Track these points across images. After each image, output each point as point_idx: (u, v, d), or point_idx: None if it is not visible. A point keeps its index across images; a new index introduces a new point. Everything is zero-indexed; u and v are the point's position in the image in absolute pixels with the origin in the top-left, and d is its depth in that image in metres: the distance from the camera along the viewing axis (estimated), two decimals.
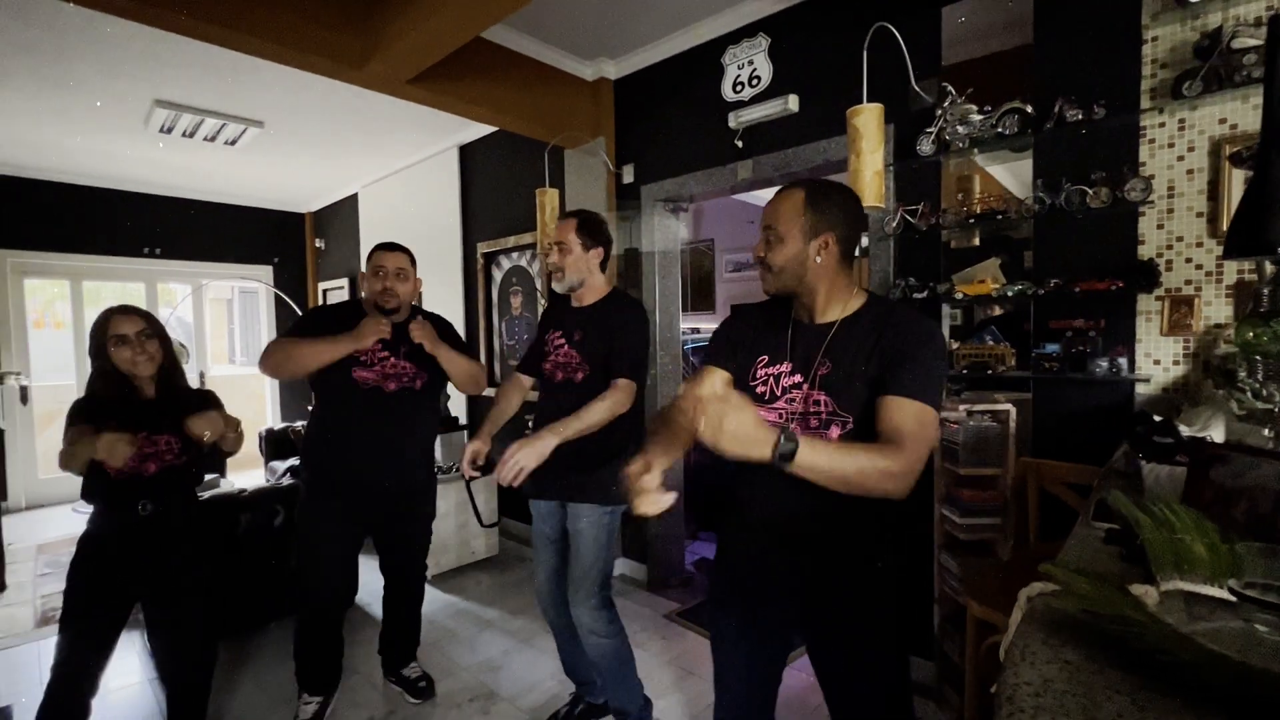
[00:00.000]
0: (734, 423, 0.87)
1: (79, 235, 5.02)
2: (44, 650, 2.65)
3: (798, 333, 1.19)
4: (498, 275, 4.03)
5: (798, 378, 1.16)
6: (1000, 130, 1.91)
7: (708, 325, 5.92)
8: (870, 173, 1.73)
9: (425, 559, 2.33)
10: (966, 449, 1.81)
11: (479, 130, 3.98)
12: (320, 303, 6.22)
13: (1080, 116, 1.77)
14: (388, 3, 2.24)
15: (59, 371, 5.33)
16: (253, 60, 2.42)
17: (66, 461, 1.63)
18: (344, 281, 5.75)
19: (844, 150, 2.31)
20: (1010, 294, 1.91)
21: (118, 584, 1.70)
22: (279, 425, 4.90)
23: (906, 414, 1.02)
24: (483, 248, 4.06)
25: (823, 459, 0.92)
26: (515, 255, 3.88)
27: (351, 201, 5.55)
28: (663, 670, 2.38)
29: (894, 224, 2.15)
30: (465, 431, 4.12)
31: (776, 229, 1.14)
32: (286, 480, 3.03)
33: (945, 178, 2.17)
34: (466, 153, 4.21)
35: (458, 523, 3.38)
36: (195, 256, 5.66)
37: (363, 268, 2.09)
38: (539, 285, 3.66)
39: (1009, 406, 1.82)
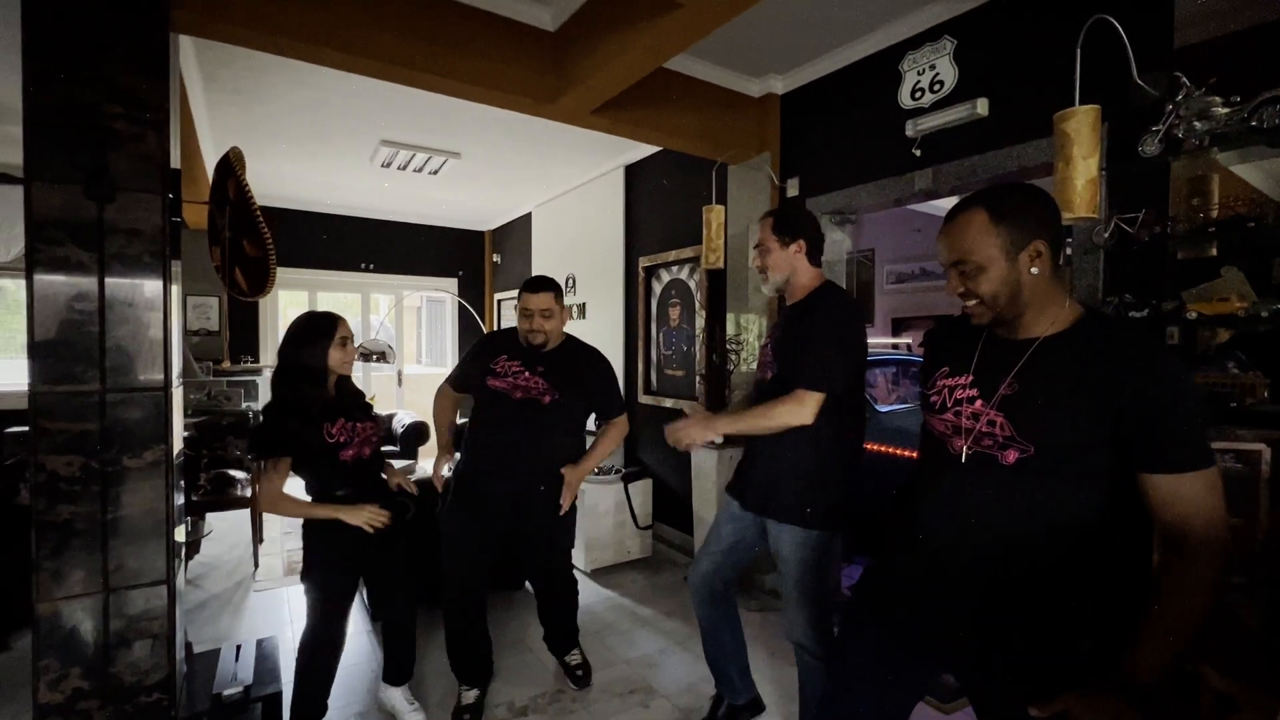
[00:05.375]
0: None
1: (315, 253, 6.06)
2: (291, 594, 3.24)
3: (990, 347, 1.10)
4: (657, 288, 4.20)
5: (973, 392, 1.07)
6: (1255, 124, 1.64)
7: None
8: (1083, 181, 1.58)
9: (568, 562, 2.39)
10: None
11: (644, 150, 4.19)
12: (495, 312, 6.89)
13: None
14: (579, 45, 2.47)
15: None
16: (457, 101, 2.78)
17: (278, 510, 1.90)
18: (515, 292, 6.32)
19: (1042, 155, 2.14)
20: (1264, 314, 1.63)
21: (349, 550, 1.96)
22: (459, 420, 5.50)
23: (1194, 493, 0.91)
24: (644, 262, 4.25)
25: (1175, 646, 0.92)
26: (675, 269, 4.02)
27: (525, 220, 6.10)
28: None
29: (1106, 235, 1.93)
30: None
31: (971, 260, 1.03)
32: None
33: (1173, 181, 1.90)
34: (631, 171, 4.46)
35: (615, 521, 3.57)
36: (397, 270, 6.57)
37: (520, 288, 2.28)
38: (698, 299, 3.75)
39: (1260, 446, 1.55)
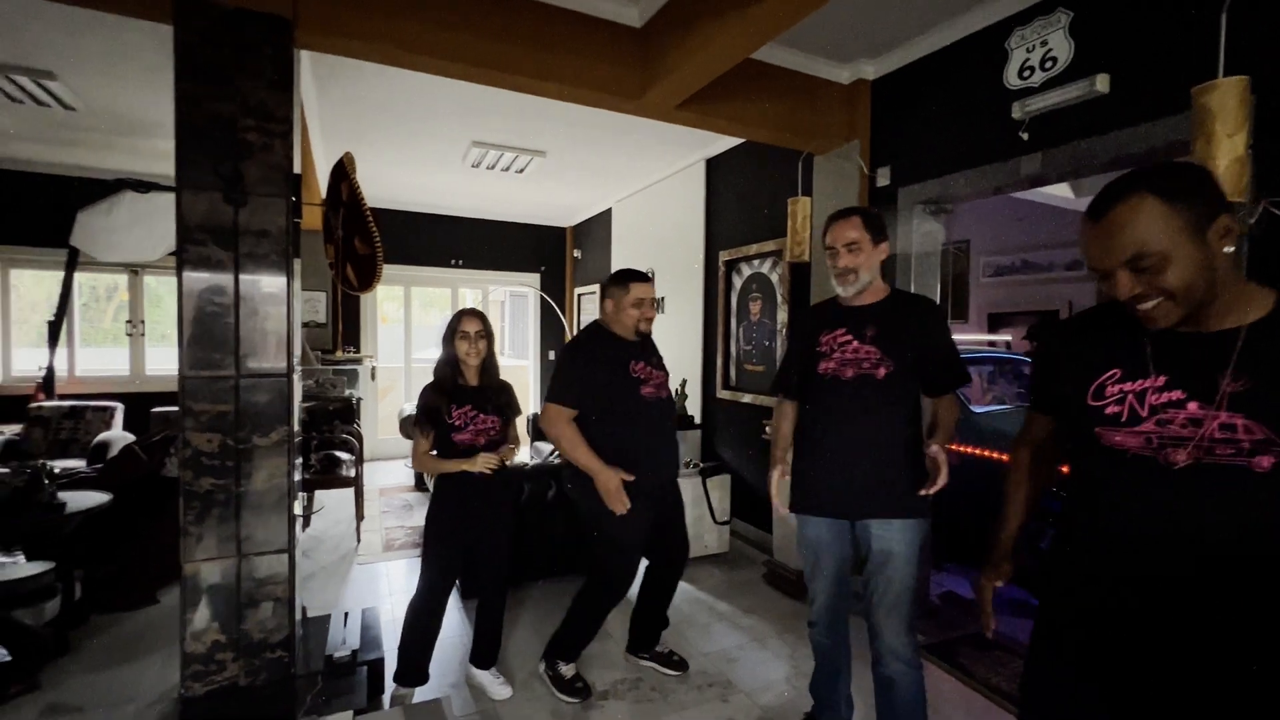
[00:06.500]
0: None
1: (409, 251, 6.42)
2: (389, 569, 3.48)
3: (1170, 342, 0.95)
4: (738, 282, 4.15)
5: (1177, 394, 0.93)
6: None
7: (957, 337, 5.34)
8: (1227, 160, 1.42)
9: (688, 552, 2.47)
10: None
11: (727, 143, 4.15)
12: (575, 306, 7.05)
13: None
14: (665, 39, 2.48)
15: (392, 357, 6.88)
16: (544, 101, 2.84)
17: (423, 467, 2.17)
18: (595, 287, 6.44)
19: (1174, 133, 1.94)
20: None
21: (462, 523, 2.17)
22: None
23: None
24: (724, 255, 4.22)
25: None
26: (756, 262, 3.97)
27: (605, 216, 6.19)
28: None
29: (1253, 220, 1.73)
30: (700, 430, 4.34)
31: (1152, 252, 0.88)
32: (556, 459, 3.53)
33: None
34: (712, 165, 4.43)
35: (693, 516, 3.56)
36: (483, 266, 6.86)
37: (611, 280, 2.31)
38: (780, 293, 3.69)
39: None
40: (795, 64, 2.96)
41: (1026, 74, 2.38)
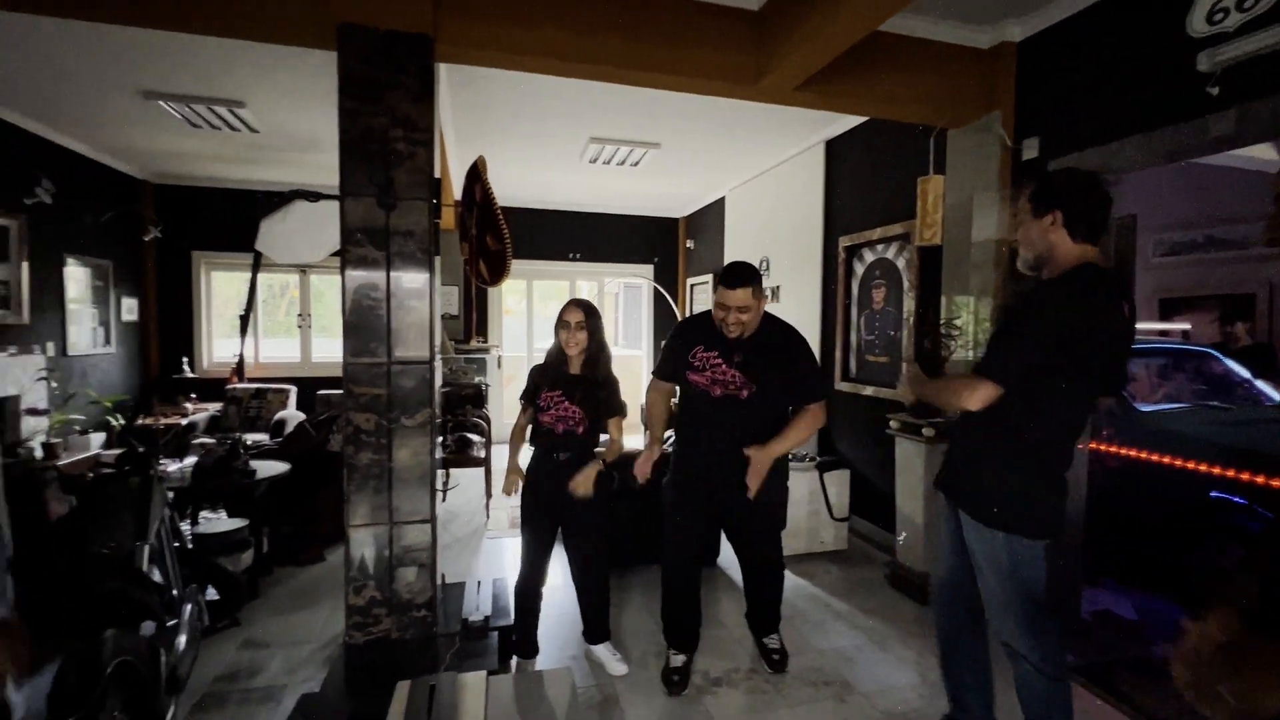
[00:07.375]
0: None
1: (530, 246, 6.76)
2: (515, 545, 3.69)
3: None
4: (859, 269, 3.96)
5: None
6: None
7: None
8: None
9: (776, 545, 2.37)
10: None
11: (847, 123, 3.95)
12: (688, 296, 7.07)
13: None
14: (785, 19, 2.40)
15: (516, 347, 7.31)
16: (660, 94, 2.86)
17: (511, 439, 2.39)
18: (708, 277, 6.42)
19: None
20: None
21: (547, 504, 2.29)
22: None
23: None
24: (844, 241, 4.03)
25: None
26: (880, 247, 3.75)
27: (719, 205, 6.14)
28: None
29: None
30: None
31: None
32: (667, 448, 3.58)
33: None
34: (832, 147, 4.24)
35: (809, 510, 3.48)
36: (599, 259, 7.06)
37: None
38: (907, 279, 3.46)
39: None
40: (926, 32, 2.75)
41: (1218, 17, 2.05)
